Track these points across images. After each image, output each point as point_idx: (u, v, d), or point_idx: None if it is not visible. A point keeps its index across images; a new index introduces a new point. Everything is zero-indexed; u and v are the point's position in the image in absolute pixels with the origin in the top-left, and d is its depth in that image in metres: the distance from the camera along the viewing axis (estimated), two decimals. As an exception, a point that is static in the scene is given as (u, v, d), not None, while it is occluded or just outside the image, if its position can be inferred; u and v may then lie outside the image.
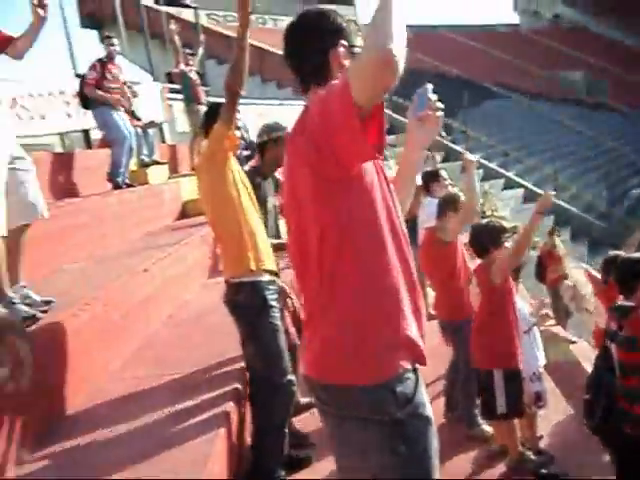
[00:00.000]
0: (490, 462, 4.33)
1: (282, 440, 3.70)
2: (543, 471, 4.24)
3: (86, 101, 8.24)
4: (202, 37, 12.37)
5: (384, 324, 1.94)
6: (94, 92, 7.97)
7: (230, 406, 3.63)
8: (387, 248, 1.96)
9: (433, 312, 6.23)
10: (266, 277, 3.73)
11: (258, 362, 3.73)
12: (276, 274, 3.87)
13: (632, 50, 45.73)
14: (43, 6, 3.80)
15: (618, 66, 41.45)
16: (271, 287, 3.75)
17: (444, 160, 19.83)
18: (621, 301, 4.01)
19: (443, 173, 6.61)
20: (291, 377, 3.72)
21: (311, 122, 1.88)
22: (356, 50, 2.05)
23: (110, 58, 8.29)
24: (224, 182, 3.71)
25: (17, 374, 1.38)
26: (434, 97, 2.10)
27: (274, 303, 3.73)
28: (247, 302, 3.71)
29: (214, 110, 3.94)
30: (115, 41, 8.34)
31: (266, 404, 3.70)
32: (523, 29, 49.95)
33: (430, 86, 2.11)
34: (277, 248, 4.15)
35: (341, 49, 2.02)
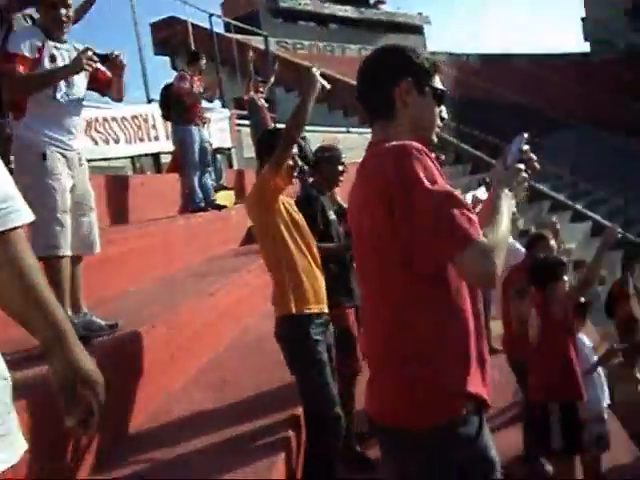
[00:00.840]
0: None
1: (331, 473, 3.69)
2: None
3: (169, 112, 8.44)
4: (276, 66, 12.59)
5: (447, 373, 1.90)
6: (190, 98, 8.09)
7: (289, 433, 3.63)
8: (457, 294, 1.93)
9: (497, 347, 6.16)
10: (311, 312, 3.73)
11: (304, 395, 3.74)
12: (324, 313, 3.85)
13: None
14: (117, 62, 3.93)
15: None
16: (316, 321, 3.74)
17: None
18: None
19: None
20: (338, 410, 3.68)
21: (384, 183, 1.85)
22: (427, 90, 2.05)
23: (200, 72, 8.45)
24: (271, 223, 3.71)
25: (85, 424, 1.45)
26: (526, 147, 2.07)
27: (318, 337, 3.71)
28: (290, 336, 3.72)
29: (268, 138, 3.98)
30: (204, 58, 8.52)
31: (314, 436, 3.71)
32: (594, 58, 49.20)
33: (525, 135, 2.09)
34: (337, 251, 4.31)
35: (405, 85, 2.02)
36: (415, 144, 1.87)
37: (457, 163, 21.59)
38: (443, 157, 11.06)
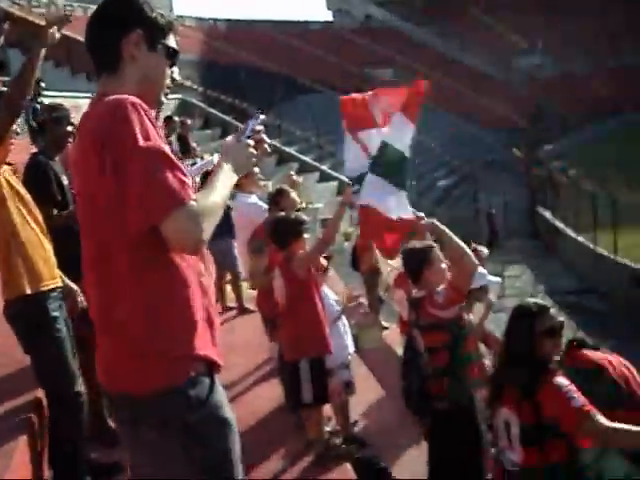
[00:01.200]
0: (305, 452, 4.35)
1: (76, 451, 3.52)
2: (357, 456, 4.34)
3: None
4: (7, 24, 11.59)
5: (171, 337, 1.87)
6: None
7: (30, 415, 3.44)
8: (179, 255, 1.88)
9: (250, 307, 6.26)
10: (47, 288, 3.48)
11: (41, 375, 3.52)
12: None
13: (437, 50, 48.51)
14: None
15: (424, 65, 43.84)
16: (52, 295, 3.49)
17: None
18: (415, 291, 4.22)
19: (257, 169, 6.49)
20: (78, 387, 3.51)
21: (98, 138, 1.77)
22: (159, 47, 1.97)
23: None
24: None
25: None
26: (259, 128, 2.08)
27: (56, 313, 3.48)
28: (26, 315, 3.43)
29: None
30: None
31: (56, 416, 3.52)
32: (336, 27, 51.43)
33: (262, 117, 2.12)
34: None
35: (135, 37, 1.92)
36: (133, 98, 1.80)
37: (206, 128, 21.54)
38: (190, 122, 10.94)
